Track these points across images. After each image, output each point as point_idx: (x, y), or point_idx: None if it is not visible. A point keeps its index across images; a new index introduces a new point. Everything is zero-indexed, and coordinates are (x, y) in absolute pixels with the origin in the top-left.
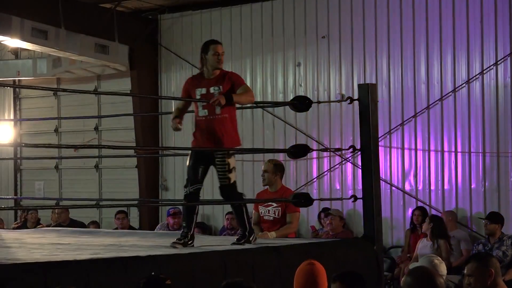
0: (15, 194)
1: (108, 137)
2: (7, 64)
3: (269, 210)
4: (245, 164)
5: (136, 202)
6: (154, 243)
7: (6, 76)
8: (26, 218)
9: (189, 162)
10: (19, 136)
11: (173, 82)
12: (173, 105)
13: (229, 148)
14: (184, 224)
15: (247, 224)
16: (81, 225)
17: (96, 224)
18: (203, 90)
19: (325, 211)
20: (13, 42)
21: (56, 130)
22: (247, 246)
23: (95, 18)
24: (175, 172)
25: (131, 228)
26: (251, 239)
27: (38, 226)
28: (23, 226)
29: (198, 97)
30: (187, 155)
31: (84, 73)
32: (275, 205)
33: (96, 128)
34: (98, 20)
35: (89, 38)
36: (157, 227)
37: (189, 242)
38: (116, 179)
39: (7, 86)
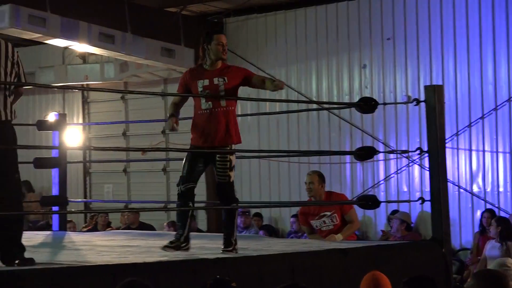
0: (85, 197)
1: (175, 140)
2: (75, 69)
3: (325, 221)
4: (301, 166)
5: (203, 204)
6: (222, 246)
7: (74, 81)
8: (97, 221)
9: (185, 159)
10: (88, 140)
11: None
12: (238, 108)
13: (257, 151)
14: (179, 225)
15: (235, 232)
16: (150, 228)
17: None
18: (206, 82)
19: (394, 213)
20: (81, 47)
21: (124, 134)
22: (314, 249)
23: (161, 22)
24: (241, 175)
25: (198, 230)
26: (237, 247)
27: (108, 229)
28: (93, 228)
29: (200, 89)
30: (253, 157)
31: (151, 77)
32: (329, 213)
33: (163, 131)
34: (164, 24)
35: (155, 42)
36: None
37: (183, 245)
38: None
39: (76, 89)
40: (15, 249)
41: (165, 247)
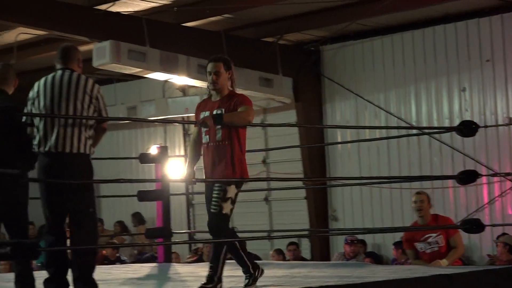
0: (188, 228)
1: (276, 169)
2: (175, 102)
3: (430, 243)
4: (403, 192)
5: (306, 233)
6: (326, 274)
7: (175, 113)
8: (202, 252)
9: (206, 198)
10: None
11: (338, 112)
12: (338, 136)
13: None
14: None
15: (247, 260)
16: (255, 258)
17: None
18: (207, 113)
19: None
20: (180, 80)
21: None
22: (418, 275)
23: (258, 52)
24: (343, 202)
25: (302, 259)
26: (257, 275)
27: None
28: (198, 259)
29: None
30: (355, 185)
31: None
32: (434, 235)
33: (264, 161)
34: (261, 54)
35: (253, 72)
36: (334, 256)
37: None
38: (285, 211)
39: (177, 123)
40: (86, 283)
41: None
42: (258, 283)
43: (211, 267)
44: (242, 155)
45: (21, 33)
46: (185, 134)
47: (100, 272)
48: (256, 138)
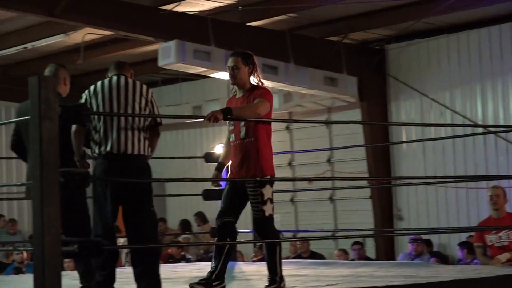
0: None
1: (341, 169)
2: None
3: (501, 236)
4: (469, 192)
5: (371, 232)
6: (391, 273)
7: None
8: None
9: (223, 193)
10: None
11: (403, 111)
12: (403, 135)
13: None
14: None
15: (279, 269)
16: (320, 257)
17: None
18: None
19: None
20: None
21: (289, 164)
22: (484, 275)
23: (323, 52)
24: (408, 202)
25: (367, 258)
26: (282, 286)
27: None
28: (262, 259)
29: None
30: (420, 184)
31: (314, 106)
32: (506, 230)
33: (328, 160)
34: (325, 53)
35: (317, 72)
36: (399, 255)
37: (214, 283)
38: (350, 210)
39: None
40: (152, 281)
41: (192, 284)
42: (324, 282)
43: (269, 270)
44: (269, 151)
45: (88, 33)
46: None
47: (166, 271)
48: (321, 137)
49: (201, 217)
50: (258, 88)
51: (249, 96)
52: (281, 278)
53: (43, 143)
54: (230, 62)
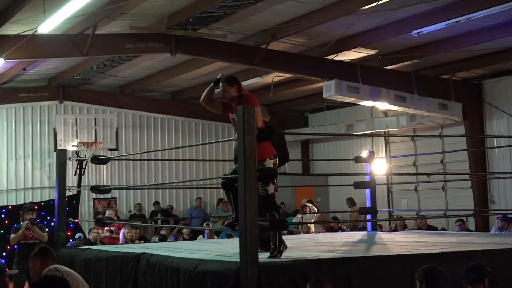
0: (388, 207)
1: (450, 167)
2: (379, 121)
3: None
4: None
5: (471, 212)
6: (486, 241)
7: (378, 129)
8: (397, 224)
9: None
10: (389, 169)
11: (495, 127)
12: (495, 144)
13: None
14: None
15: (278, 238)
16: (434, 229)
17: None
18: (234, 116)
19: None
20: (382, 106)
21: (414, 164)
22: None
23: (437, 86)
24: (499, 190)
25: (468, 230)
26: (282, 248)
27: (405, 230)
28: (394, 229)
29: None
30: (508, 177)
31: (431, 123)
32: None
33: (441, 161)
34: (439, 87)
35: (433, 100)
36: (492, 229)
37: (236, 223)
38: (457, 196)
39: (379, 135)
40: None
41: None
42: (438, 246)
43: (273, 240)
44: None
45: (276, 76)
46: (386, 143)
47: (327, 237)
48: (436, 145)
49: (351, 201)
50: (243, 96)
51: (238, 103)
52: (280, 241)
53: (246, 150)
54: (220, 87)
